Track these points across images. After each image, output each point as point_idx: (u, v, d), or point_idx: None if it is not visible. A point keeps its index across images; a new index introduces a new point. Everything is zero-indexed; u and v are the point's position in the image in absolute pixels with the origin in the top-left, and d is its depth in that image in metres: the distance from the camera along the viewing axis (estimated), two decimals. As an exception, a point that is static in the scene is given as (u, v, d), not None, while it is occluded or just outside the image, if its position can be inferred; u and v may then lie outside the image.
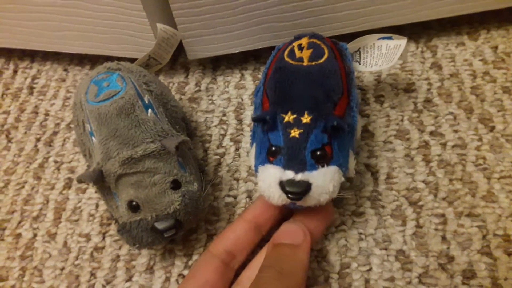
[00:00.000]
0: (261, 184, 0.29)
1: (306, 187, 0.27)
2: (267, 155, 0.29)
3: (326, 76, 0.31)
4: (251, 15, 0.40)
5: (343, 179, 0.29)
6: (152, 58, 0.38)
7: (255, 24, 0.41)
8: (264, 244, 0.31)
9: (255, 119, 0.30)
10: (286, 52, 0.33)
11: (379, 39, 0.36)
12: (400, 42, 0.35)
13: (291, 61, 0.32)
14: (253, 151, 0.32)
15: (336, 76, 0.31)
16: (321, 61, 0.31)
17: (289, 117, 0.29)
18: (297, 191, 0.27)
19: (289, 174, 0.28)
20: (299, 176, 0.27)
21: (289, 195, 0.28)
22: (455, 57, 0.43)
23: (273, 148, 0.29)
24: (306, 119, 0.29)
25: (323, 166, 0.28)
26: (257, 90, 0.36)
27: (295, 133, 0.28)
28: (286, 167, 0.28)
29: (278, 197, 0.28)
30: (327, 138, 0.29)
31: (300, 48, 0.33)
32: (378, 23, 0.42)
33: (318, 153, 0.28)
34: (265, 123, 0.30)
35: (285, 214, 0.32)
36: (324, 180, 0.28)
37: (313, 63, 0.31)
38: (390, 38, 0.35)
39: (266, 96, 0.32)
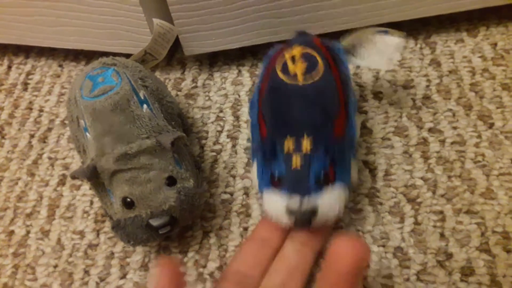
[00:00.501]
0: (267, 208, 0.30)
1: (313, 212, 0.28)
2: (271, 180, 0.30)
3: (323, 95, 0.31)
4: (248, 11, 0.40)
5: (348, 195, 0.30)
6: (148, 53, 0.38)
7: (252, 20, 0.41)
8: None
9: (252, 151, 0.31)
10: (279, 67, 0.32)
11: (375, 33, 0.35)
12: (397, 39, 0.34)
13: (285, 79, 0.31)
14: (254, 169, 0.32)
15: (332, 93, 0.31)
16: (317, 78, 0.31)
17: (288, 143, 0.29)
18: (305, 218, 0.28)
19: (295, 200, 0.28)
20: (305, 201, 0.28)
21: (297, 223, 0.28)
22: (454, 53, 0.43)
23: (276, 177, 0.29)
24: (306, 143, 0.29)
25: (327, 187, 0.28)
26: (252, 105, 0.35)
27: (296, 162, 0.28)
28: (291, 193, 0.28)
29: (286, 222, 0.29)
30: (328, 160, 0.29)
31: (293, 60, 0.32)
32: (376, 19, 0.41)
33: (322, 176, 0.28)
34: (265, 155, 0.30)
35: None
36: (329, 202, 0.28)
37: (309, 82, 0.31)
38: (386, 32, 0.35)
39: (263, 118, 0.31)
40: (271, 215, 0.30)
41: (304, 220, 0.28)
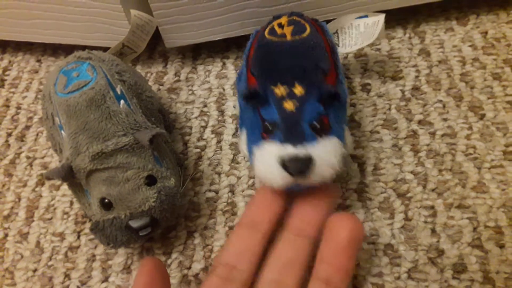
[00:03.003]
0: (258, 165, 0.27)
1: (308, 160, 0.25)
2: (262, 133, 0.27)
3: (312, 48, 0.29)
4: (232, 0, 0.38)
5: (344, 151, 0.27)
6: (126, 46, 0.36)
7: (236, 10, 0.39)
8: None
9: (246, 95, 0.28)
10: (266, 31, 0.31)
11: (356, 18, 0.34)
12: (378, 18, 0.34)
13: (273, 38, 0.30)
14: (243, 136, 0.30)
15: (321, 48, 0.30)
16: (304, 35, 0.30)
17: (279, 89, 0.27)
18: (300, 165, 0.25)
19: (289, 148, 0.26)
20: (299, 149, 0.25)
21: (292, 172, 0.25)
22: (443, 43, 0.41)
23: (268, 124, 0.27)
24: (298, 90, 0.27)
25: (322, 137, 0.26)
26: (239, 75, 0.34)
27: (289, 105, 0.27)
28: (284, 141, 0.26)
29: (280, 178, 0.26)
30: (323, 108, 0.27)
31: (281, 26, 0.31)
32: (364, 8, 0.40)
33: (316, 123, 0.26)
34: (256, 98, 0.28)
35: (282, 205, 0.29)
36: (326, 152, 0.26)
37: (297, 37, 0.30)
38: (366, 16, 0.34)
39: (252, 75, 0.30)
40: (263, 172, 0.26)
41: (300, 168, 0.25)
